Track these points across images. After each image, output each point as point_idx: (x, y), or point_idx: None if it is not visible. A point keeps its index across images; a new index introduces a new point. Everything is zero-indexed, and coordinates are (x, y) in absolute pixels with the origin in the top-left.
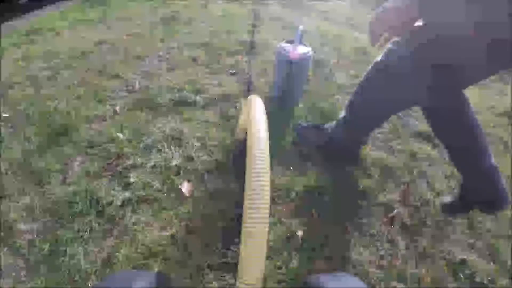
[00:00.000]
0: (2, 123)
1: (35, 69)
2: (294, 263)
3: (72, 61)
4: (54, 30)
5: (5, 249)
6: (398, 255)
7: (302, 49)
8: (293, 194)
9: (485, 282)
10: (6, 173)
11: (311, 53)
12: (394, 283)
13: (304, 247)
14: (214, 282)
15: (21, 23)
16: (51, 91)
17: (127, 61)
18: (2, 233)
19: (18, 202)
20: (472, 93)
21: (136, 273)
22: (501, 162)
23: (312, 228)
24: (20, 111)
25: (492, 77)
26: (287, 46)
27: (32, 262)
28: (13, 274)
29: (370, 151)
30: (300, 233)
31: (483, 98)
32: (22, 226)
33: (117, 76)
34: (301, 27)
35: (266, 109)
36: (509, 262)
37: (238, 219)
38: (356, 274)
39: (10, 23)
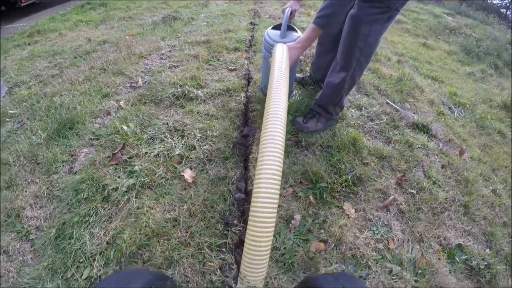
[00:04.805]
0: (8, 119)
1: (40, 68)
2: (292, 244)
3: (76, 60)
4: (57, 31)
5: (12, 234)
6: (394, 239)
7: (290, 36)
8: (291, 181)
9: (482, 267)
10: (14, 165)
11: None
12: (390, 265)
13: (302, 229)
14: (214, 260)
15: (23, 25)
16: (56, 88)
17: (130, 59)
18: (9, 219)
19: (25, 191)
20: (469, 87)
21: (135, 273)
22: (499, 153)
23: (310, 212)
24: (27, 108)
25: (491, 71)
26: (274, 34)
27: (38, 246)
28: (20, 258)
29: (367, 141)
30: (298, 216)
31: (481, 92)
32: (29, 213)
33: (120, 73)
34: (288, 10)
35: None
36: (505, 249)
37: (237, 203)
38: (352, 256)
39: (12, 25)
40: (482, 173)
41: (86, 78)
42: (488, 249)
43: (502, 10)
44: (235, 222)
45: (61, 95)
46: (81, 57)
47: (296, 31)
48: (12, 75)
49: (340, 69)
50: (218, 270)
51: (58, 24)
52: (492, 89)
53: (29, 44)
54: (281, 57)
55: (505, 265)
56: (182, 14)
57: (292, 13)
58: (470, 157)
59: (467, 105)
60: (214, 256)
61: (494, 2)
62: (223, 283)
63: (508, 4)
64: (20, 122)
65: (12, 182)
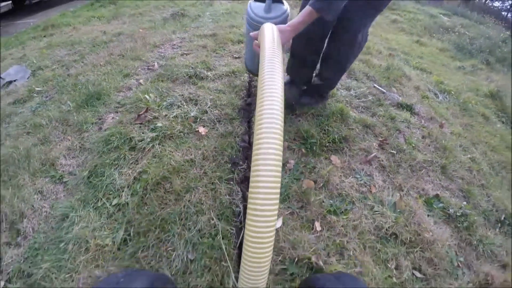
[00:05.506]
0: (36, 95)
1: (61, 55)
2: (287, 181)
3: (94, 48)
4: (71, 26)
5: (47, 179)
6: (376, 186)
7: (277, 9)
8: (286, 138)
9: (458, 214)
10: (47, 126)
11: (288, 11)
12: (372, 203)
13: (295, 172)
14: (223, 189)
15: (34, 21)
16: (79, 70)
17: (145, 47)
18: (43, 167)
19: (59, 145)
20: (457, 78)
21: (136, 273)
22: (480, 131)
23: (302, 160)
24: (53, 86)
25: (482, 66)
26: (258, 6)
27: (71, 186)
28: (53, 196)
29: (353, 113)
30: (292, 161)
31: (468, 83)
32: (63, 161)
33: (138, 59)
34: None
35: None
36: (483, 205)
37: (242, 149)
38: (339, 194)
39: (23, 21)
40: (462, 144)
41: (106, 62)
42: (465, 202)
43: (503, 13)
44: (240, 162)
45: (86, 75)
46: (99, 46)
47: (282, 3)
48: (34, 61)
49: (335, 70)
50: (227, 195)
51: (70, 19)
52: (481, 81)
53: (44, 36)
54: (271, 36)
55: (483, 218)
56: (189, 11)
57: None
58: (451, 132)
59: (452, 92)
60: (224, 186)
61: (495, 4)
62: (230, 203)
63: (509, 7)
64: (48, 96)
65: (46, 139)
